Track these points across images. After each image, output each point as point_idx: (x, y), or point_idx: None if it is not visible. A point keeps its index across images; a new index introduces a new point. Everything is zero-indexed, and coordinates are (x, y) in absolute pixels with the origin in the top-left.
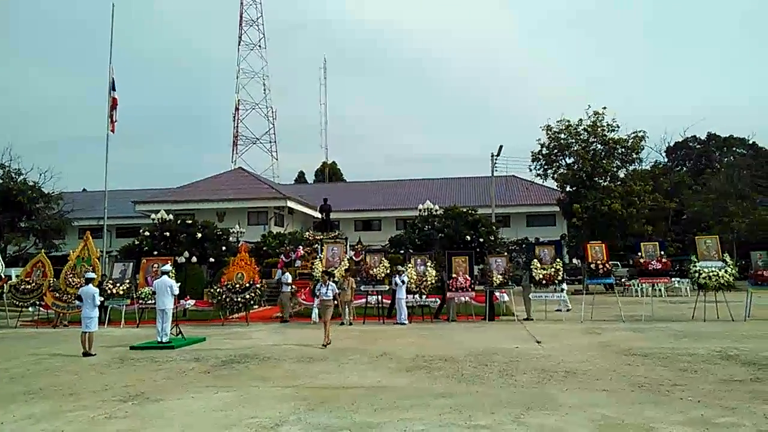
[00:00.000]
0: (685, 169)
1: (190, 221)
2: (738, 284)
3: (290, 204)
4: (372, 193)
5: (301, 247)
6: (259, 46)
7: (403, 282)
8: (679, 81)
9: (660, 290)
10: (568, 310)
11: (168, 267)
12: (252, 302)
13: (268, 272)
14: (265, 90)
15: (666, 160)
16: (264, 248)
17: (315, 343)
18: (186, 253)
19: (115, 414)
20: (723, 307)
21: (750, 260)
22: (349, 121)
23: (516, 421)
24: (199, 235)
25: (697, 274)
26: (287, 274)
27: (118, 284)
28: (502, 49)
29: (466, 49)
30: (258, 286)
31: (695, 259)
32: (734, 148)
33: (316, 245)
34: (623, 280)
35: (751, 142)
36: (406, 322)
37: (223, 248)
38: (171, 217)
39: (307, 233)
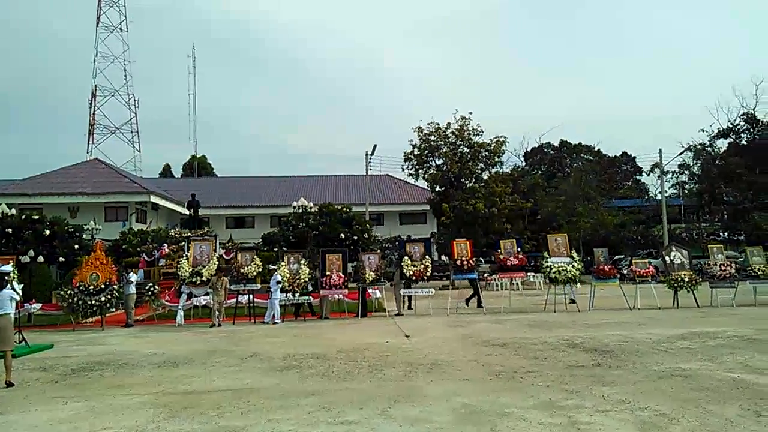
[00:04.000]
0: (540, 172)
1: (36, 216)
2: (583, 278)
3: (154, 199)
4: (245, 189)
5: (165, 245)
6: (120, 29)
7: (278, 283)
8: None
9: (517, 284)
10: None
11: (8, 267)
12: (108, 305)
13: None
14: (126, 76)
15: (524, 163)
16: (123, 246)
17: (178, 348)
18: (31, 252)
19: None
20: None
21: (593, 256)
22: (220, 114)
23: (383, 415)
24: (48, 232)
25: (548, 269)
26: (132, 273)
27: None
28: (378, 48)
29: (344, 46)
30: (115, 287)
31: (547, 256)
32: (583, 155)
33: (183, 243)
34: (486, 275)
35: (597, 149)
36: (279, 321)
37: (76, 246)
38: (14, 211)
39: (172, 230)
